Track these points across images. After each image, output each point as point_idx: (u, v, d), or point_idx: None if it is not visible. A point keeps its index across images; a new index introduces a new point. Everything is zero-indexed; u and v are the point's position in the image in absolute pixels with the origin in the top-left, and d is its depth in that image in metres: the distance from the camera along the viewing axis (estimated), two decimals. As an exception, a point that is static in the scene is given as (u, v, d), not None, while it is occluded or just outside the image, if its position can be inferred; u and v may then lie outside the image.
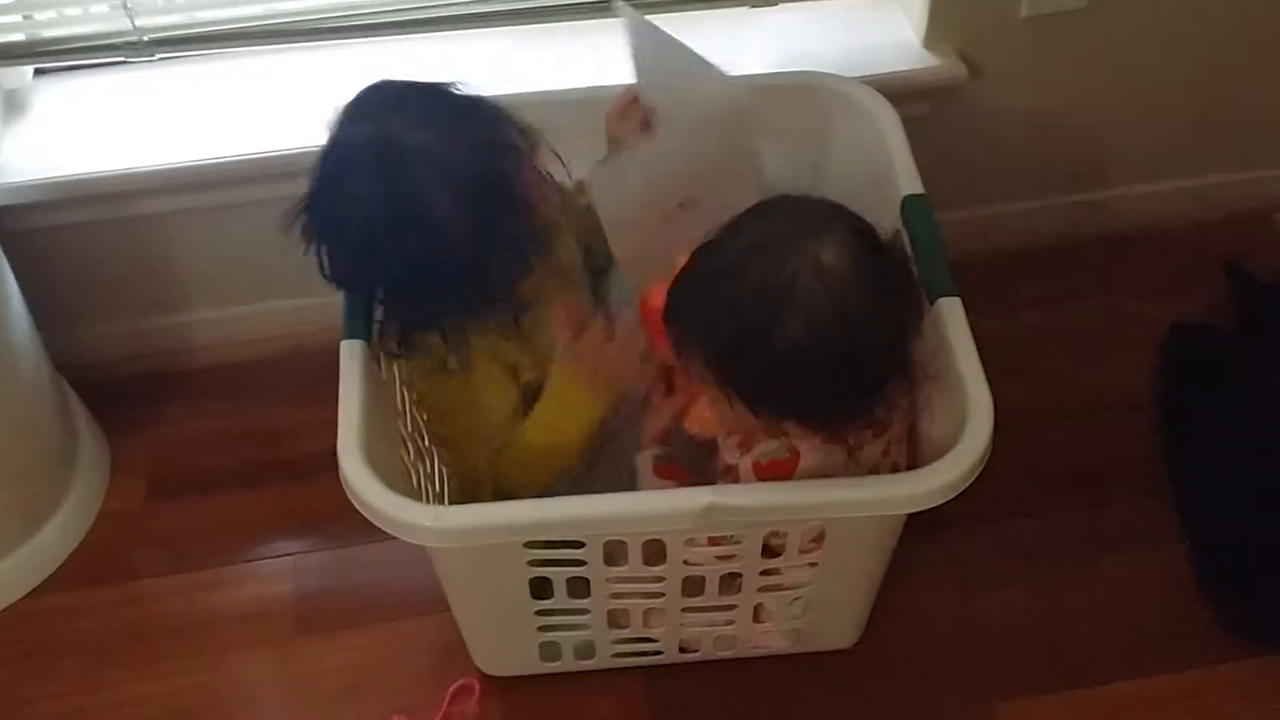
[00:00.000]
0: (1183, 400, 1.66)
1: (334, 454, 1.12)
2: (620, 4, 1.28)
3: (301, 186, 1.21)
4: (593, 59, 1.58)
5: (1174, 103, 1.77)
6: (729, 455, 1.19)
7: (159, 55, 1.53)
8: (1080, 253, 1.87)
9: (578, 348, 1.23)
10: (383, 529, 1.10)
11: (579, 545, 1.16)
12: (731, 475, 1.18)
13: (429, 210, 1.12)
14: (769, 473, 1.14)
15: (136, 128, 1.57)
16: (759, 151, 1.31)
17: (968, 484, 1.11)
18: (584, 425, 1.25)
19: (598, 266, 1.45)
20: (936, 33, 1.61)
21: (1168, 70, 1.72)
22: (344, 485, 1.11)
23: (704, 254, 1.08)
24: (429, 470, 1.37)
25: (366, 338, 1.22)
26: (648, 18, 1.27)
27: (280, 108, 1.56)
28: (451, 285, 1.17)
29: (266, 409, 1.72)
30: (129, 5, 1.48)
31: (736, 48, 1.62)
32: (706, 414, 1.20)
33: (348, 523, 1.11)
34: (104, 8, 1.52)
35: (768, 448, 1.15)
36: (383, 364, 1.26)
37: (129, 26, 1.49)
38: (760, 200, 1.11)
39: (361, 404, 1.16)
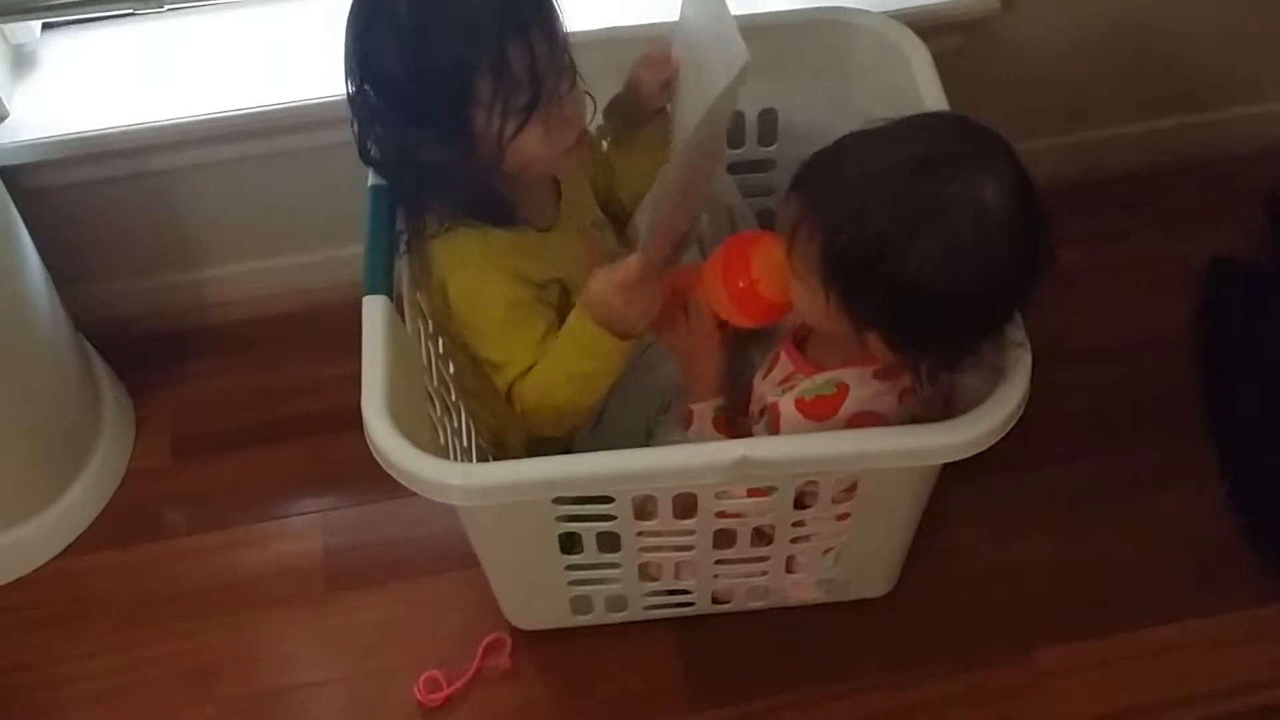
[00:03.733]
0: (1222, 335, 1.64)
1: (359, 409, 1.10)
2: None
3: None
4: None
5: (1210, 33, 1.72)
6: (770, 393, 1.17)
7: (168, 6, 1.49)
8: (1116, 187, 1.82)
9: (595, 286, 1.16)
10: (410, 488, 1.08)
11: (608, 500, 1.14)
12: (772, 413, 1.16)
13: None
14: (814, 410, 1.12)
15: (148, 81, 1.54)
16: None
17: (1006, 432, 1.09)
18: (604, 365, 1.18)
19: (615, 215, 1.42)
20: (966, -38, 1.55)
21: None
22: (370, 445, 1.09)
23: (857, 143, 1.06)
24: (456, 426, 1.35)
25: (389, 293, 1.19)
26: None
27: (294, 57, 1.53)
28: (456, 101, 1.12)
29: (289, 364, 1.71)
30: (137, -45, 1.45)
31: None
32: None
33: (375, 478, 1.10)
34: (111, -42, 1.49)
35: (812, 384, 1.13)
36: (407, 319, 1.24)
37: (138, -22, 1.46)
38: (929, 111, 1.11)
39: (385, 361, 1.13)
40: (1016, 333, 1.11)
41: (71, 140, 1.50)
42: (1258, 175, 1.79)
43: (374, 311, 1.17)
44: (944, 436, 1.07)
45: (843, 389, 1.12)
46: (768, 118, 1.51)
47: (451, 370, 1.36)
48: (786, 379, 1.18)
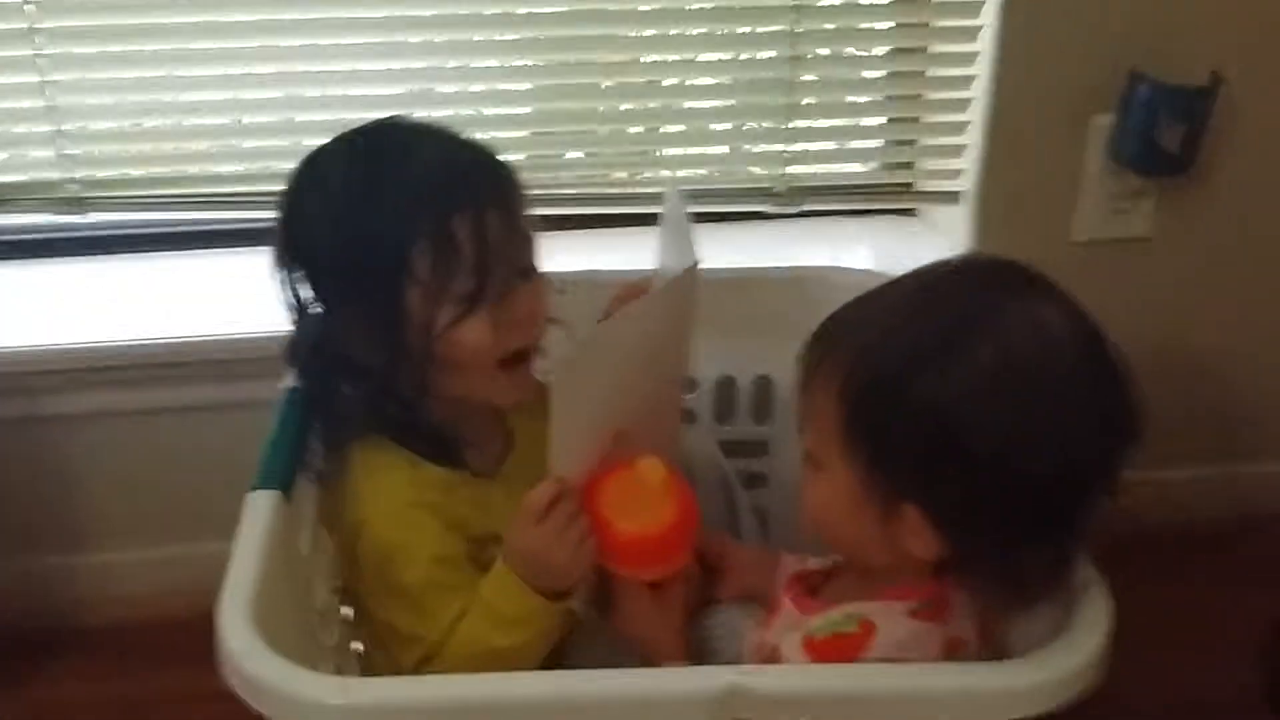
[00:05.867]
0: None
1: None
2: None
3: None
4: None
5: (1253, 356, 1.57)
6: (769, 631, 0.90)
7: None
8: (1169, 534, 1.58)
9: (511, 531, 0.94)
10: (270, 714, 0.78)
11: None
12: (769, 658, 0.88)
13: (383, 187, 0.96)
14: (828, 652, 0.85)
15: (34, 315, 1.41)
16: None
17: (1087, 684, 0.80)
18: (534, 632, 0.94)
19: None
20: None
21: (1245, 314, 1.54)
22: (220, 654, 0.80)
23: (875, 291, 0.87)
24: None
25: (286, 490, 0.94)
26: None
27: (205, 301, 1.41)
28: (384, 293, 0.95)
29: (162, 674, 1.42)
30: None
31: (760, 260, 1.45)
32: None
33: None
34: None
35: (825, 622, 0.86)
36: (304, 538, 0.98)
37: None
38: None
39: (263, 560, 0.86)
40: (1086, 569, 0.86)
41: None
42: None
43: (261, 506, 0.91)
44: (1013, 677, 0.79)
45: (867, 627, 0.84)
46: (762, 386, 1.31)
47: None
48: (793, 626, 0.91)
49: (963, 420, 0.77)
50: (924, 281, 0.86)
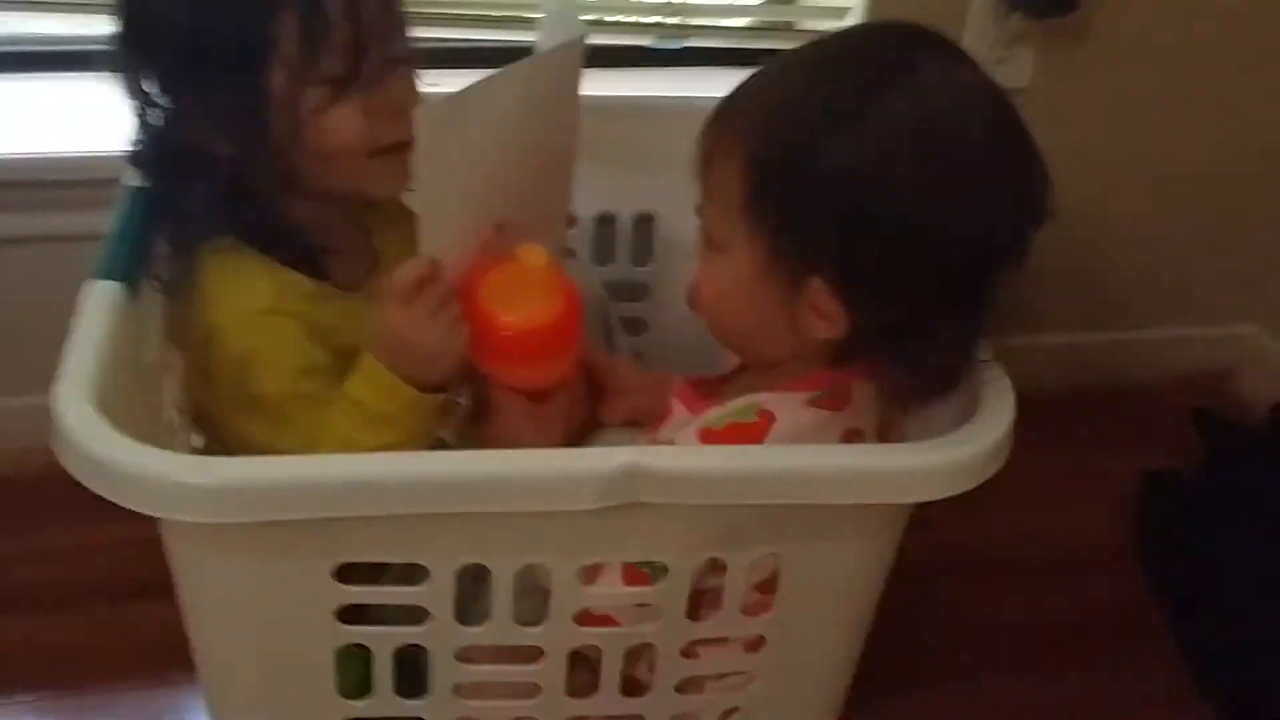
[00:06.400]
0: (1171, 553, 1.39)
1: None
2: None
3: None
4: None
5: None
6: (658, 433, 0.86)
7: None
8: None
9: (385, 310, 0.85)
10: (115, 497, 0.69)
11: (415, 575, 0.77)
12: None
13: None
14: (725, 441, 0.80)
15: None
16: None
17: (986, 471, 0.78)
18: (406, 430, 0.86)
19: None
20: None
21: (1120, 176, 1.52)
22: (54, 434, 0.71)
23: (775, 61, 0.83)
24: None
25: (129, 283, 0.85)
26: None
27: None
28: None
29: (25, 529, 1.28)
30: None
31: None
32: None
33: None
34: None
35: (721, 412, 0.82)
36: (152, 340, 0.90)
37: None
38: None
39: (104, 348, 0.78)
40: (990, 368, 0.84)
41: None
42: (1176, 398, 1.61)
43: (101, 296, 0.82)
44: (921, 457, 0.76)
45: (766, 416, 0.80)
46: (644, 225, 1.25)
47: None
48: (687, 424, 0.86)
49: (879, 177, 0.74)
50: (830, 46, 0.82)
